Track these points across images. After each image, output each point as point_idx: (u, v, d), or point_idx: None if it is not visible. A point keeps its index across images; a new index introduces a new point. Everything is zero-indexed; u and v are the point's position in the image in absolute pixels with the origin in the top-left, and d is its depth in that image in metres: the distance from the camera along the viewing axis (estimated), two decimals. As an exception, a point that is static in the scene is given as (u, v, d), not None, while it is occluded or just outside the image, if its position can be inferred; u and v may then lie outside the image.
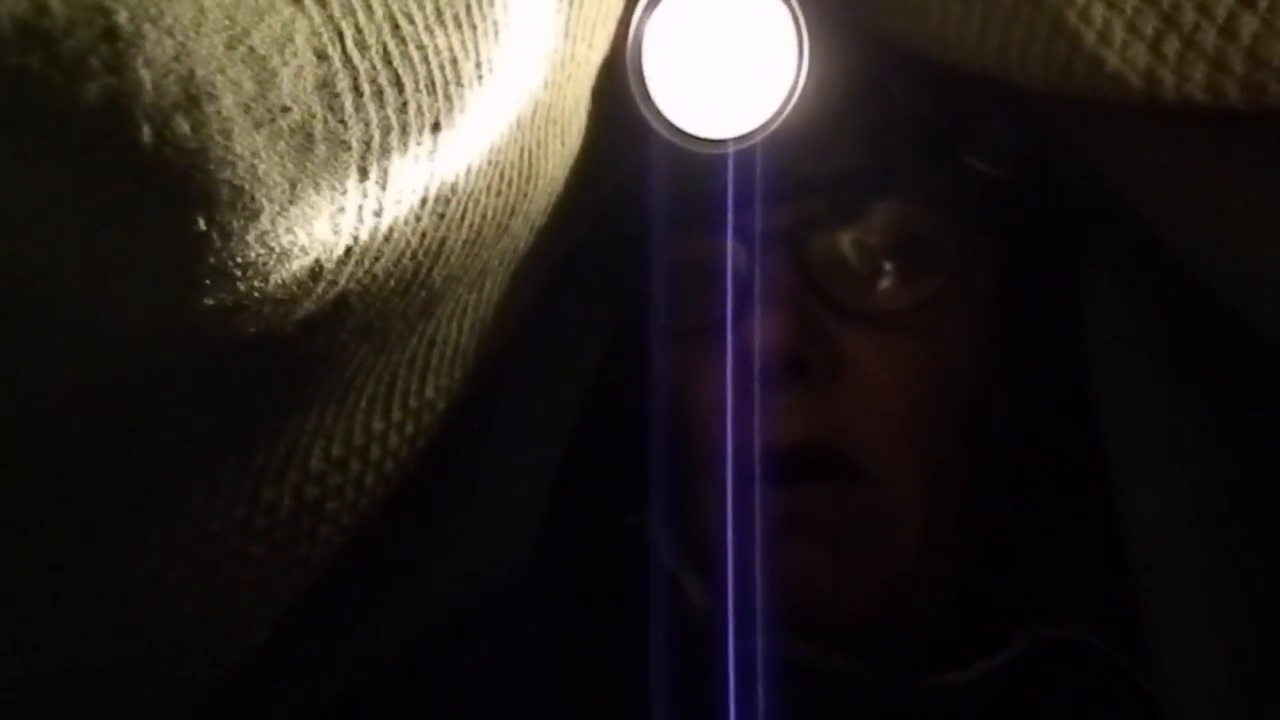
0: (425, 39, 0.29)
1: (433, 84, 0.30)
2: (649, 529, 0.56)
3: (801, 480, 0.47)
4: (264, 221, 0.27)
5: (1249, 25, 0.33)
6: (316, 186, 0.28)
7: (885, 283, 0.48)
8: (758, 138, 0.41)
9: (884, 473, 0.48)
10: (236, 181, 0.26)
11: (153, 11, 0.23)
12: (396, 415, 0.42)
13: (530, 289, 0.46)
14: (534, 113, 0.36)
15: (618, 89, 0.41)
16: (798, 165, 0.45)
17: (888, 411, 0.47)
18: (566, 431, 0.53)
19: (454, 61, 0.30)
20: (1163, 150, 0.40)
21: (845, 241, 0.47)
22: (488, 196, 0.36)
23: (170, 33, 0.23)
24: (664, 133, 0.41)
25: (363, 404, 0.41)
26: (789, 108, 0.40)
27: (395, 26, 0.28)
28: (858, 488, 0.48)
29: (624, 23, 0.40)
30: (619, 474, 0.55)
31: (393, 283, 0.34)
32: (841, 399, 0.47)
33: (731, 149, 0.41)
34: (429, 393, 0.43)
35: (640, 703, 0.47)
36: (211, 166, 0.25)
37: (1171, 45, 0.34)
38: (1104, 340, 0.47)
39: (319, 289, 0.31)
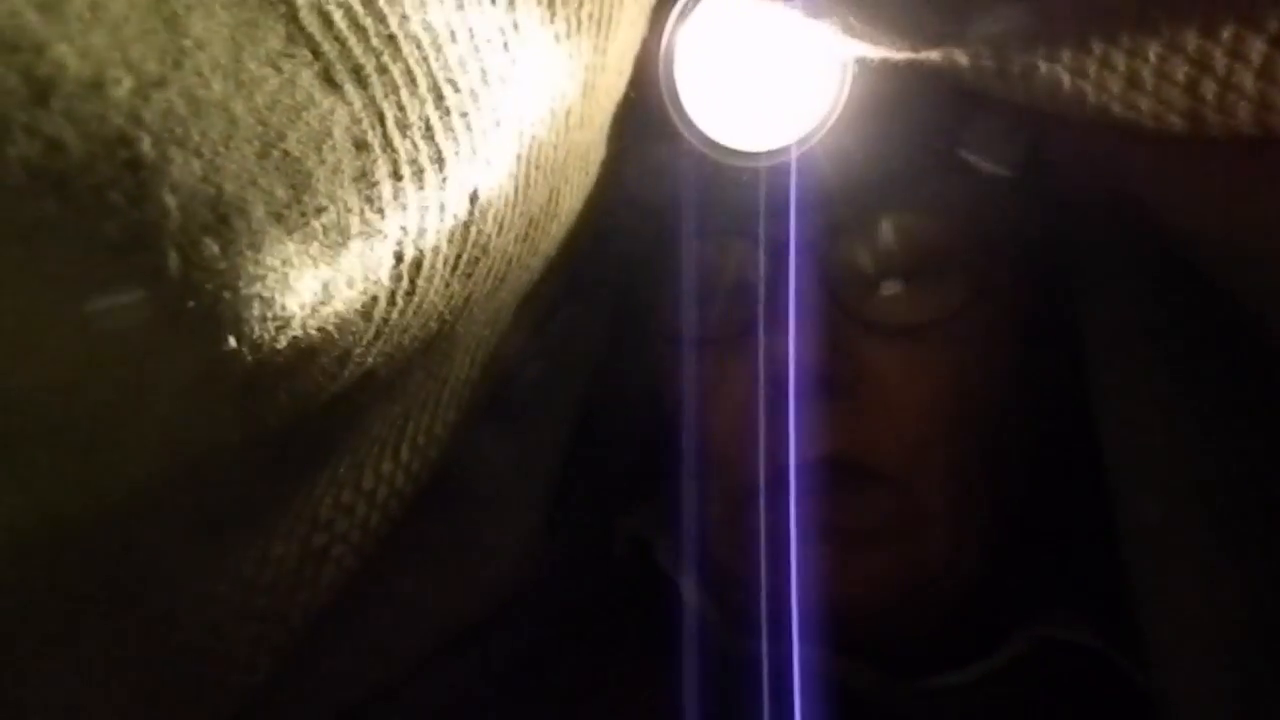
0: (469, 105, 0.26)
1: (474, 152, 0.27)
2: (645, 531, 0.54)
3: (829, 490, 0.46)
4: (294, 327, 0.24)
5: None
6: (350, 281, 0.25)
7: (906, 296, 0.46)
8: (793, 153, 0.38)
9: (908, 479, 0.47)
10: (266, 294, 0.23)
11: (179, 132, 0.19)
12: (405, 455, 0.40)
13: (538, 312, 0.43)
14: (567, 154, 0.33)
15: (645, 101, 0.38)
16: (823, 177, 0.43)
17: (911, 424, 0.46)
18: (565, 440, 0.51)
19: (497, 124, 0.27)
20: (1192, 161, 0.38)
21: (869, 254, 0.46)
22: (515, 245, 0.33)
23: (198, 152, 0.20)
24: (698, 145, 0.38)
25: (374, 449, 0.38)
26: (828, 126, 0.38)
27: (440, 97, 0.25)
28: (884, 492, 0.47)
29: (650, 38, 0.37)
30: (617, 478, 0.54)
31: (417, 345, 0.31)
32: (865, 412, 0.46)
33: (764, 164, 0.39)
34: (437, 429, 0.40)
35: (642, 706, 0.46)
36: (241, 284, 0.22)
37: (1209, 88, 0.32)
38: (1108, 343, 0.45)
39: (346, 372, 0.28)
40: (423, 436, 0.40)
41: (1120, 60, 0.32)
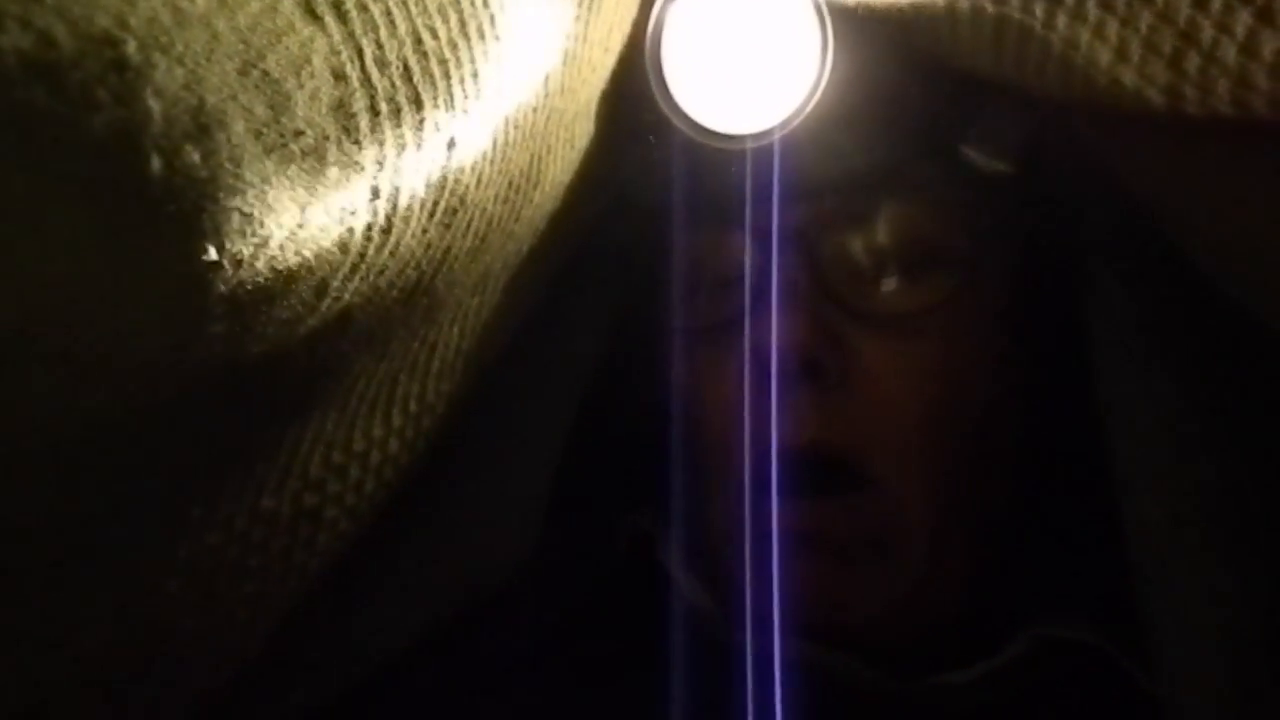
0: (448, 53, 0.28)
1: (451, 100, 0.28)
2: (648, 526, 0.55)
3: (814, 493, 0.46)
4: (273, 247, 0.26)
5: (1270, 43, 0.32)
6: (327, 209, 0.27)
7: (896, 285, 0.47)
8: (777, 135, 0.40)
9: (894, 478, 0.47)
10: (246, 209, 0.25)
11: (163, 40, 0.21)
12: (397, 420, 0.41)
13: (531, 290, 0.44)
14: (547, 119, 0.34)
15: (633, 85, 0.40)
16: (811, 165, 0.44)
17: (898, 416, 0.47)
18: (564, 429, 0.52)
19: (475, 75, 0.29)
20: (1182, 152, 0.39)
21: (857, 243, 0.47)
22: (494, 204, 0.34)
23: (181, 61, 0.22)
24: (683, 128, 0.40)
25: (363, 410, 0.39)
26: (809, 106, 0.39)
27: (418, 41, 0.27)
28: (869, 498, 0.47)
29: (640, 20, 0.39)
30: (618, 471, 0.55)
31: (396, 292, 0.33)
32: (852, 401, 0.47)
33: (750, 145, 0.40)
34: (429, 397, 0.42)
35: (640, 701, 0.47)
36: (221, 195, 0.24)
37: (1192, 62, 0.33)
38: (1108, 341, 0.46)
39: (324, 305, 0.30)
40: (414, 403, 0.41)
41: (1113, 29, 0.34)
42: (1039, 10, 0.35)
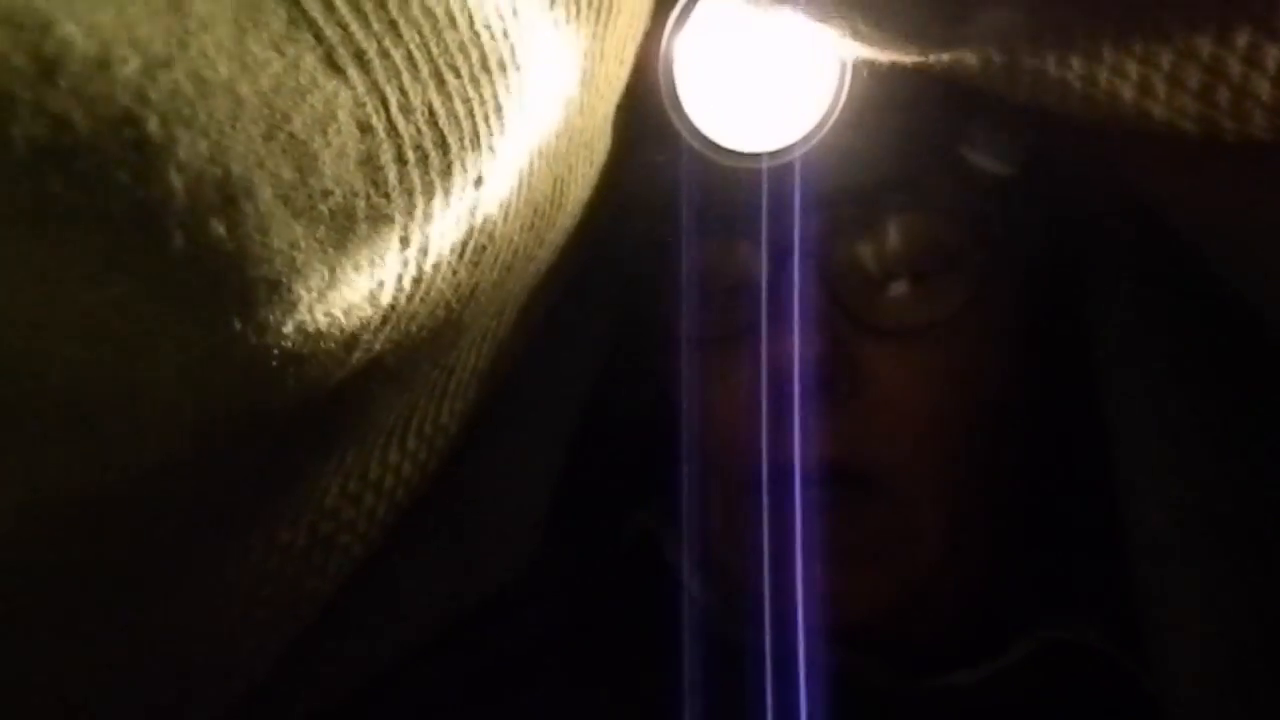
0: (470, 90, 0.26)
1: (477, 138, 0.27)
2: (654, 524, 0.55)
3: (827, 508, 0.46)
4: (301, 311, 0.24)
5: None
6: (356, 266, 0.25)
7: (908, 297, 0.46)
8: (795, 154, 0.39)
9: (904, 487, 0.47)
10: (273, 277, 0.23)
11: (185, 113, 0.20)
12: (412, 444, 0.40)
13: (545, 304, 0.43)
14: (568, 141, 0.33)
15: (646, 99, 0.38)
16: (823, 177, 0.43)
17: (909, 425, 0.46)
18: (569, 433, 0.51)
19: (499, 110, 0.27)
20: (1202, 161, 0.38)
21: (868, 255, 0.46)
22: (521, 234, 0.33)
23: (205, 132, 0.20)
24: (698, 146, 0.38)
25: (380, 439, 0.38)
26: (827, 125, 0.38)
27: (441, 82, 0.25)
28: (879, 506, 0.47)
29: (653, 29, 0.37)
30: (623, 471, 0.54)
31: (425, 334, 0.32)
32: (863, 413, 0.46)
33: (766, 164, 0.39)
34: (444, 418, 0.40)
35: (646, 699, 0.47)
36: (248, 266, 0.22)
37: (1223, 95, 0.31)
38: (1114, 347, 0.46)
39: (354, 358, 0.28)
40: (429, 426, 0.40)
41: (1133, 69, 0.32)
42: (1051, 60, 0.33)
